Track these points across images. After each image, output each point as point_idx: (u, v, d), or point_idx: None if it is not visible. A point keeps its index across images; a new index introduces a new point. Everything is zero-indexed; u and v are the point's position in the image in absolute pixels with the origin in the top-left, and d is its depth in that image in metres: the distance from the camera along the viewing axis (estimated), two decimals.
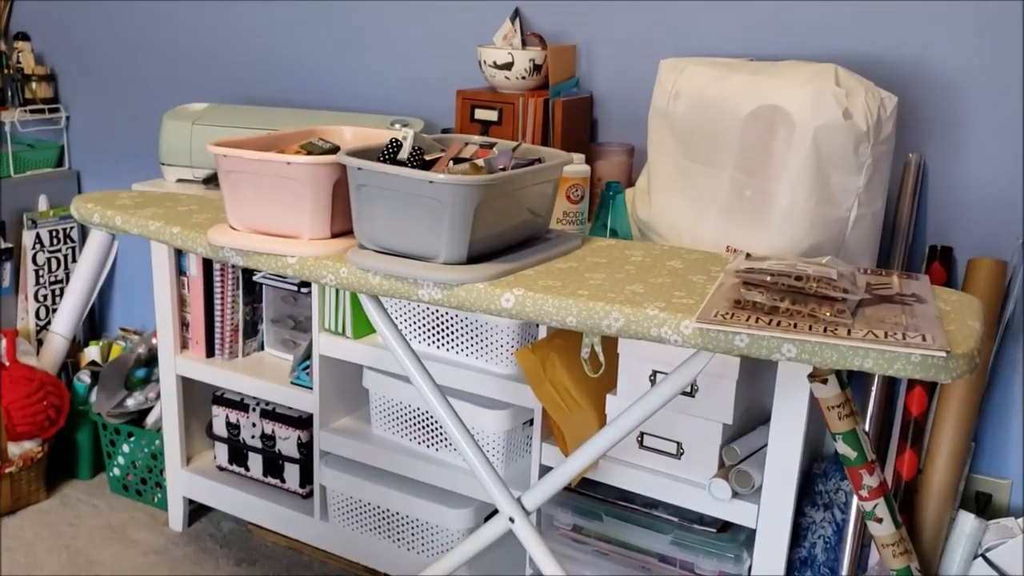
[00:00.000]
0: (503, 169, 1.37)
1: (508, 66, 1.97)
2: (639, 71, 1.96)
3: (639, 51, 2.00)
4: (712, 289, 1.25)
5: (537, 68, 1.98)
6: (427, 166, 1.38)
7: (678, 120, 1.65)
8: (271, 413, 2.26)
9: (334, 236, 1.44)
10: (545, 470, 1.80)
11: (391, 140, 1.38)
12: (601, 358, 1.34)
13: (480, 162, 1.33)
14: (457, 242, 1.29)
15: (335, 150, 1.52)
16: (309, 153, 1.51)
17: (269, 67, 2.49)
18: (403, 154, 1.38)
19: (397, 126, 2.15)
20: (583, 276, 1.33)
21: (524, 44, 2.06)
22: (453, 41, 2.22)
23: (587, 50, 2.06)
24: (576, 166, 1.73)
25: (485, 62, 1.99)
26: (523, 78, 1.98)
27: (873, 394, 1.76)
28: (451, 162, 1.36)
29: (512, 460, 1.95)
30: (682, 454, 1.68)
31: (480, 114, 2.01)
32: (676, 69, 1.66)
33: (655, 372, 1.66)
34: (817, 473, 1.78)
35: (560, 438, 1.76)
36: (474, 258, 1.33)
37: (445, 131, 2.14)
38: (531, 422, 1.89)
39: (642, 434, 1.71)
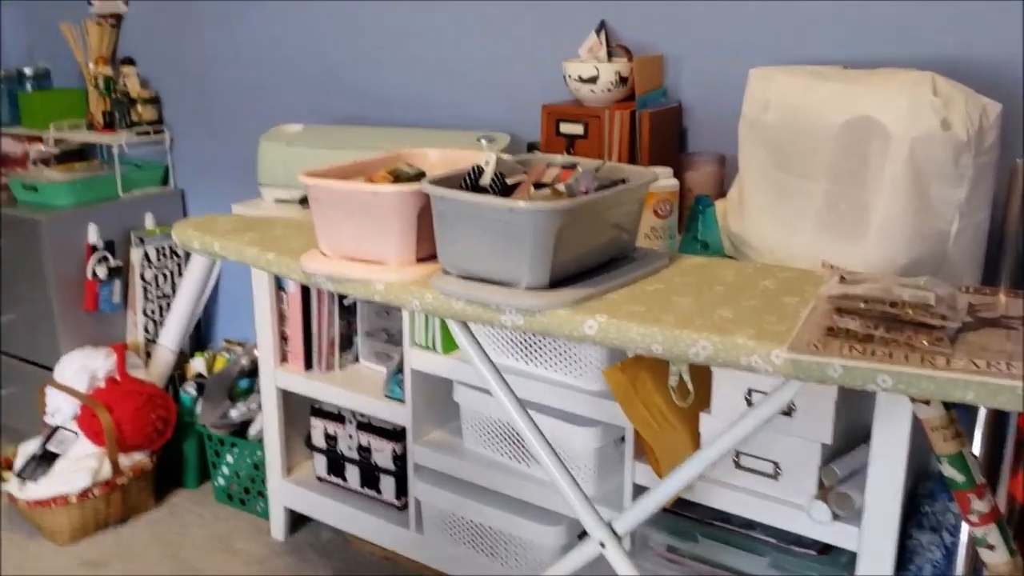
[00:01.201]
0: (585, 192, 1.35)
1: (593, 79, 1.95)
2: (729, 79, 1.92)
3: (729, 59, 1.95)
4: (804, 314, 1.20)
5: (623, 80, 1.95)
6: (509, 191, 1.38)
7: (769, 131, 1.60)
8: (367, 425, 2.30)
9: (420, 261, 1.45)
10: (639, 489, 1.78)
11: (473, 166, 1.38)
12: (690, 386, 1.31)
13: (561, 187, 1.32)
14: (539, 268, 1.28)
15: (421, 175, 1.53)
16: (396, 179, 1.52)
17: (360, 88, 2.53)
18: (485, 179, 1.38)
19: (483, 141, 2.17)
20: (670, 299, 1.30)
21: (610, 56, 2.03)
22: (539, 55, 2.21)
23: (675, 59, 2.03)
24: (663, 180, 1.70)
25: (570, 76, 1.98)
26: (609, 91, 1.95)
27: (982, 414, 1.67)
28: (532, 187, 1.36)
29: (604, 479, 1.93)
30: (780, 475, 1.64)
31: (565, 128, 1.99)
32: (766, 79, 1.62)
33: (751, 391, 1.62)
34: (923, 493, 1.71)
35: (653, 458, 1.73)
36: (558, 282, 1.32)
37: (531, 145, 2.14)
38: (623, 439, 1.86)
39: (738, 454, 1.67)
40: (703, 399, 1.67)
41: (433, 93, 2.40)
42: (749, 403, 1.62)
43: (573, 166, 1.49)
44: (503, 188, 1.38)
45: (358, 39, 2.49)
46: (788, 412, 1.59)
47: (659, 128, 1.94)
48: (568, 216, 1.27)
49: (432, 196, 1.34)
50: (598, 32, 2.04)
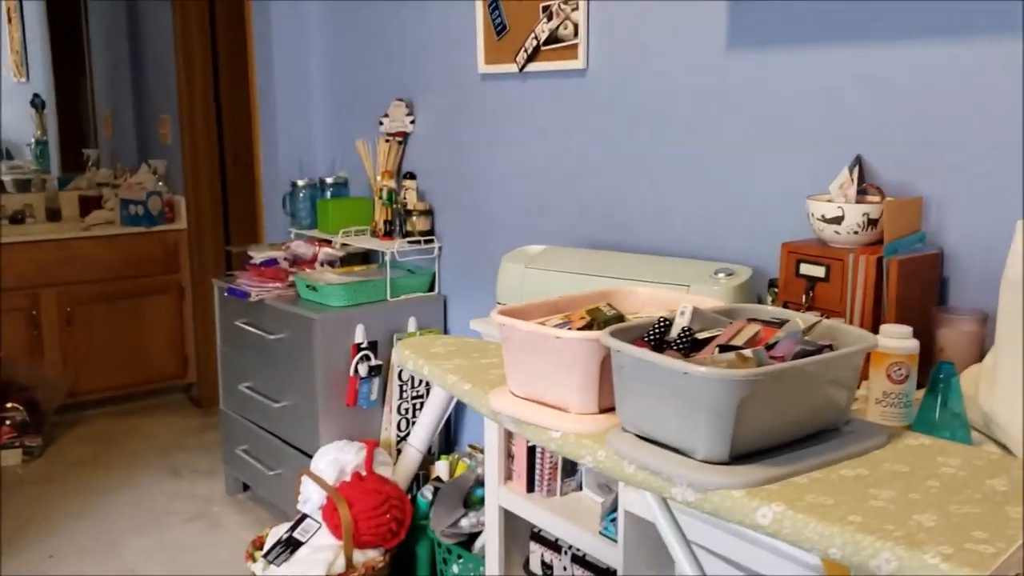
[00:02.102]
0: (781, 358, 1.22)
1: (838, 220, 1.79)
2: (1003, 227, 1.69)
3: (1004, 205, 1.72)
4: None
5: (872, 222, 1.78)
6: (697, 347, 1.28)
7: None
8: (581, 559, 2.22)
9: (606, 411, 1.38)
10: None
11: (660, 318, 1.30)
12: None
13: (749, 352, 1.20)
14: (716, 439, 1.17)
15: (619, 319, 1.47)
16: (593, 320, 1.47)
17: (608, 212, 2.53)
18: (673, 333, 1.30)
19: (720, 275, 2.07)
20: (867, 492, 1.13)
21: (865, 194, 1.87)
22: (788, 187, 2.08)
23: (937, 202, 1.82)
24: (900, 341, 1.51)
25: (813, 215, 1.84)
26: (855, 232, 1.79)
27: None
28: (717, 349, 1.25)
29: None
30: None
31: (806, 269, 1.84)
32: None
33: None
34: None
35: None
36: (741, 456, 1.20)
37: (772, 282, 2.00)
38: None
39: None
40: None
41: (676, 220, 2.34)
42: None
43: (781, 324, 1.36)
44: (691, 344, 1.29)
45: (611, 165, 2.50)
46: None
47: (911, 277, 1.74)
48: (751, 386, 1.15)
49: (611, 348, 1.28)
50: (851, 168, 1.88)
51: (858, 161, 1.92)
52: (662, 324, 1.30)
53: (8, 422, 3.89)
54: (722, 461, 1.18)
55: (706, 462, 1.19)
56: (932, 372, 1.49)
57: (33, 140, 5.26)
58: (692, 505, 1.18)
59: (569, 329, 1.41)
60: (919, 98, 1.83)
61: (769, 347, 1.28)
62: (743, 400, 1.15)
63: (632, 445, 1.25)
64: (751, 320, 1.37)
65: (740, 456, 1.20)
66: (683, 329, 1.29)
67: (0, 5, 5.17)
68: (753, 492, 1.13)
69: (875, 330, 1.57)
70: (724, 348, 1.25)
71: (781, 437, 1.24)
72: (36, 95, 5.23)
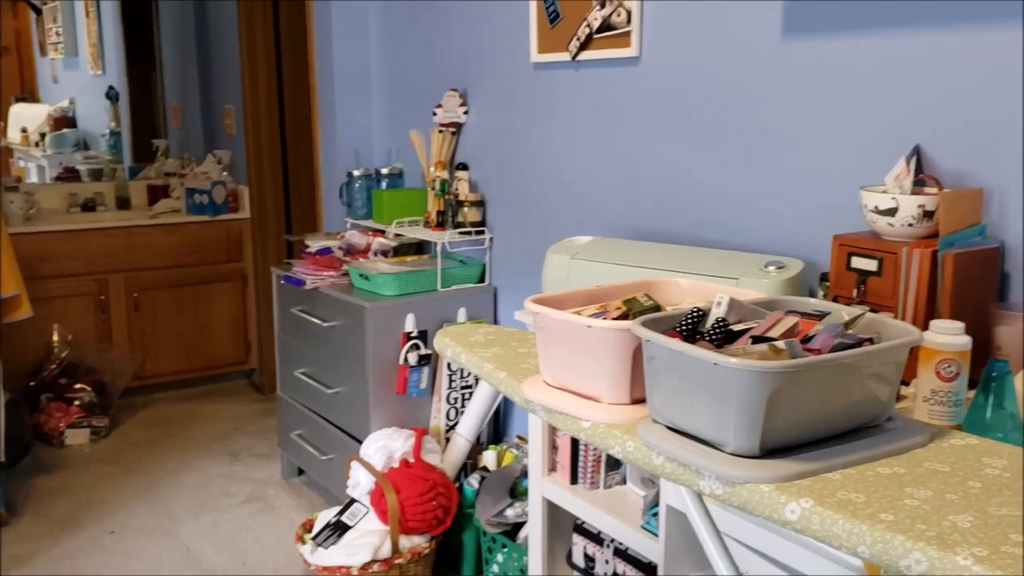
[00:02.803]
0: (818, 351, 1.19)
1: (891, 211, 1.73)
2: None
3: None
4: None
5: (928, 214, 1.72)
6: (731, 339, 1.25)
7: None
8: (623, 553, 2.20)
9: (637, 402, 1.36)
10: None
11: (694, 308, 1.27)
12: None
13: (782, 344, 1.17)
14: (746, 432, 1.14)
15: (655, 309, 1.45)
16: (629, 310, 1.45)
17: (658, 203, 2.49)
18: (708, 324, 1.27)
19: (771, 268, 2.02)
20: (902, 490, 1.09)
21: (923, 185, 1.80)
22: (843, 177, 2.02)
23: (999, 194, 1.75)
24: (950, 337, 1.45)
25: (866, 206, 1.78)
26: (910, 225, 1.73)
27: None
28: (750, 340, 1.22)
29: None
30: None
31: (857, 262, 1.79)
32: None
33: None
34: None
35: None
36: (773, 450, 1.16)
37: (824, 276, 1.95)
38: None
39: None
40: None
41: (727, 211, 2.30)
42: None
43: (821, 316, 1.32)
44: (725, 336, 1.25)
45: (662, 155, 2.46)
46: None
47: (967, 272, 1.68)
48: (783, 379, 1.12)
49: (642, 338, 1.25)
50: (908, 159, 1.82)
51: (916, 151, 1.85)
52: (696, 315, 1.27)
53: (77, 403, 4.01)
54: (752, 455, 1.15)
55: (736, 455, 1.16)
56: (984, 370, 1.43)
57: (108, 131, 5.41)
58: (720, 499, 1.15)
59: (603, 319, 1.39)
60: (981, 85, 1.76)
61: (806, 340, 1.24)
62: (774, 393, 1.12)
63: (661, 437, 1.23)
64: (790, 312, 1.33)
65: (772, 450, 1.17)
66: (717, 320, 1.26)
67: (79, 2, 5.33)
68: (782, 487, 1.10)
69: (928, 326, 1.52)
70: (758, 339, 1.21)
71: (816, 432, 1.20)
72: (111, 87, 5.38)
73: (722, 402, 1.15)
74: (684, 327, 1.26)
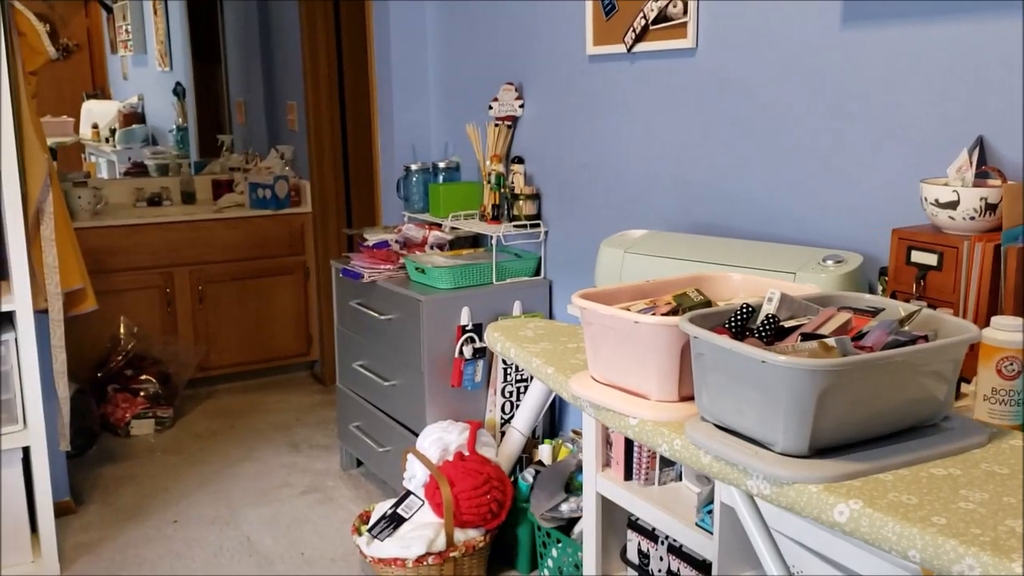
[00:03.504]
0: (870, 348, 1.16)
1: (952, 205, 1.68)
2: None
3: None
4: None
5: (991, 208, 1.66)
6: (781, 336, 1.23)
7: None
8: (678, 550, 2.18)
9: (686, 399, 1.34)
10: None
11: (743, 305, 1.25)
12: None
13: (832, 342, 1.14)
14: (796, 431, 1.12)
15: (706, 305, 1.43)
16: (679, 306, 1.43)
17: (714, 196, 2.45)
18: (757, 320, 1.25)
19: (829, 262, 1.98)
20: (957, 492, 1.06)
21: (986, 177, 1.75)
22: (905, 170, 1.97)
23: None
24: (1011, 334, 1.40)
25: (926, 199, 1.73)
26: (972, 218, 1.67)
27: None
28: (800, 337, 1.19)
29: None
30: None
31: (917, 257, 1.74)
32: None
33: None
34: None
35: None
36: (824, 449, 1.14)
37: (883, 270, 1.90)
38: None
39: None
40: None
41: (785, 204, 2.25)
42: None
43: (875, 312, 1.29)
44: (775, 332, 1.23)
45: (718, 147, 2.42)
46: None
47: None
48: (833, 378, 1.09)
49: (689, 334, 1.24)
50: (971, 151, 1.77)
51: (979, 142, 1.79)
52: (746, 311, 1.25)
53: (142, 393, 4.11)
54: (801, 455, 1.13)
55: (784, 455, 1.14)
56: None
57: (175, 126, 5.53)
58: (768, 499, 1.13)
59: (653, 315, 1.38)
60: None
61: (859, 337, 1.21)
62: (824, 392, 1.10)
63: (709, 435, 1.22)
64: (844, 308, 1.30)
65: (822, 450, 1.14)
66: (768, 316, 1.24)
67: (147, 0, 5.45)
68: (831, 488, 1.08)
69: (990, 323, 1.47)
70: (808, 336, 1.19)
71: (868, 431, 1.17)
72: (178, 83, 5.49)
73: (771, 401, 1.13)
74: (733, 324, 1.24)
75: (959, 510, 1.01)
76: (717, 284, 1.56)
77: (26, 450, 2.85)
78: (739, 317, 1.25)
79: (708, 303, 1.43)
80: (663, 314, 1.38)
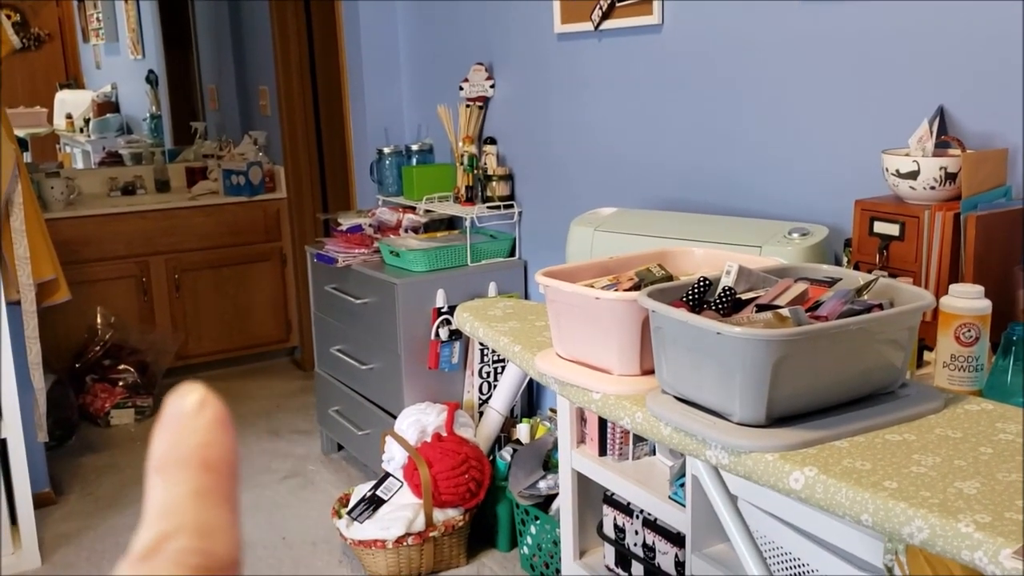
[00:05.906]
0: (825, 318, 1.17)
1: (913, 175, 1.70)
2: None
3: None
4: None
5: (951, 177, 1.68)
6: (738, 308, 1.24)
7: None
8: (652, 524, 2.20)
9: (648, 373, 1.35)
10: None
11: (701, 277, 1.27)
12: (907, 570, 1.07)
13: (786, 312, 1.15)
14: (751, 401, 1.13)
15: (667, 279, 1.44)
16: (640, 281, 1.44)
17: (683, 173, 2.46)
18: (714, 293, 1.26)
19: (795, 235, 2.00)
20: (910, 457, 1.08)
21: (946, 147, 1.76)
22: (868, 142, 1.98)
23: None
24: (969, 301, 1.42)
25: (888, 170, 1.75)
26: (932, 188, 1.69)
27: None
28: (756, 308, 1.20)
29: None
30: None
31: (879, 227, 1.76)
32: None
33: None
34: None
35: None
36: (782, 418, 1.16)
37: (848, 242, 1.92)
38: None
39: None
40: None
41: (752, 179, 2.27)
42: None
43: (831, 283, 1.31)
44: (732, 304, 1.25)
45: (685, 123, 2.43)
46: None
47: (990, 234, 1.64)
48: (787, 347, 1.11)
49: (648, 308, 1.25)
50: (931, 121, 1.78)
51: (939, 112, 1.81)
52: (703, 284, 1.27)
53: (121, 383, 4.10)
54: (759, 424, 1.15)
55: (742, 425, 1.15)
56: (1004, 334, 1.40)
57: (149, 115, 5.49)
58: (726, 468, 1.15)
59: (615, 291, 1.39)
60: (1006, 44, 1.71)
61: (815, 307, 1.23)
62: (779, 361, 1.11)
63: (669, 407, 1.23)
64: (801, 279, 1.31)
65: (780, 419, 1.16)
66: (724, 289, 1.25)
67: None
68: (787, 456, 1.10)
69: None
70: (763, 308, 1.20)
71: (825, 400, 1.19)
72: (151, 71, 5.45)
73: (727, 372, 1.14)
74: (691, 297, 1.25)
75: (910, 474, 1.03)
76: (680, 259, 1.57)
77: (3, 442, 2.84)
78: (696, 290, 1.26)
79: (670, 278, 1.45)
80: (625, 290, 1.39)
